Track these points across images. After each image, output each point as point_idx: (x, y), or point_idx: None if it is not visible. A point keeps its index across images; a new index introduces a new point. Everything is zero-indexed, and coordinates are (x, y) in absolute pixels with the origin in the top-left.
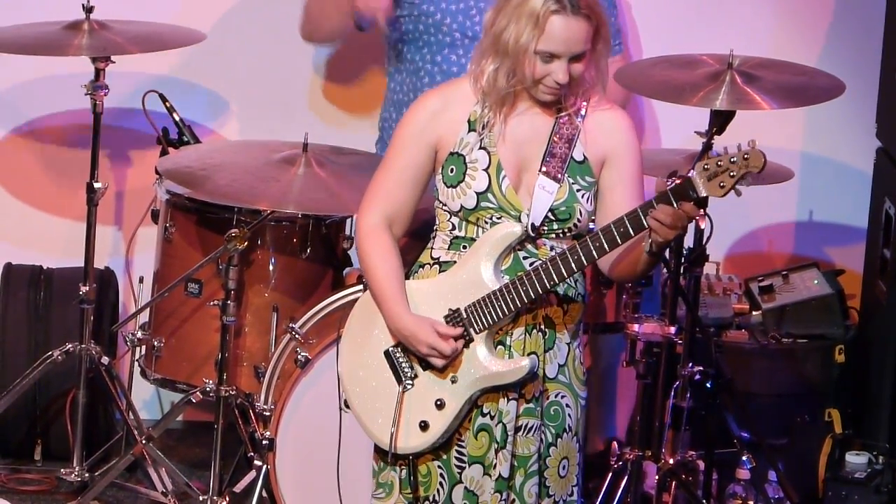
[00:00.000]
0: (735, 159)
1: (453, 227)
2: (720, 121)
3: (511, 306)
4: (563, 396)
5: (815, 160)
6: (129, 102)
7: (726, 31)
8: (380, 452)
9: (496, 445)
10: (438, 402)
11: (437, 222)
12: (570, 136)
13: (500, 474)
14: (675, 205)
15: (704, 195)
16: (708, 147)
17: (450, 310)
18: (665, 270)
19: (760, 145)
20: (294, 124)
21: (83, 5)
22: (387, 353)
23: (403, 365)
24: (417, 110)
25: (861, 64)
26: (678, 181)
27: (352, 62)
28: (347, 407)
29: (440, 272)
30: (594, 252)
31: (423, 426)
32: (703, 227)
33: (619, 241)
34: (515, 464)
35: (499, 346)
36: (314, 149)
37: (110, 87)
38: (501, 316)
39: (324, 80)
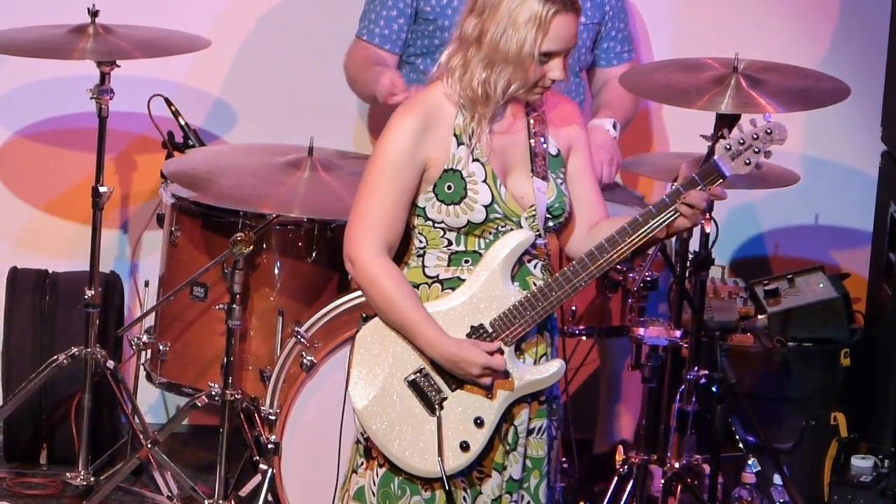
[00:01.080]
0: (758, 135)
1: (449, 243)
2: (725, 124)
3: (542, 313)
4: (557, 390)
5: (819, 164)
6: (135, 106)
7: (731, 34)
8: (401, 475)
9: (507, 447)
10: (478, 420)
11: (425, 240)
12: (542, 132)
13: (510, 476)
14: (704, 188)
15: (733, 174)
16: (712, 152)
17: (472, 327)
18: (671, 274)
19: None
20: (299, 129)
21: (89, 9)
22: (411, 382)
23: (431, 390)
24: (399, 134)
25: (866, 67)
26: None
27: None
28: (367, 439)
29: (443, 290)
30: (625, 247)
31: (465, 446)
32: (708, 230)
33: (650, 232)
34: (529, 465)
35: (517, 354)
36: (319, 153)
37: (115, 92)
38: (532, 325)
39: (330, 85)
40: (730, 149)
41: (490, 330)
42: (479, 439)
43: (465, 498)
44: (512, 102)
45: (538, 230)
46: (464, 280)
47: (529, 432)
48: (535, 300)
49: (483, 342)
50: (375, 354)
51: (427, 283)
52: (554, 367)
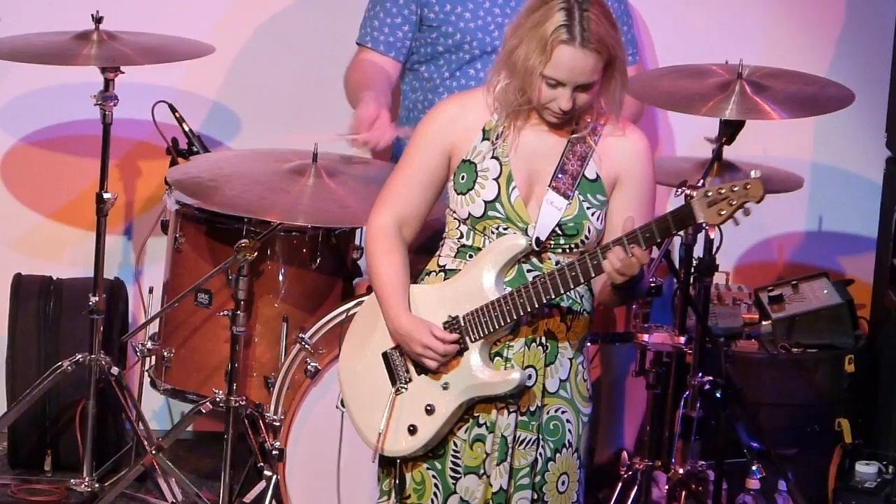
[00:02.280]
0: (736, 188)
1: (461, 236)
2: (730, 131)
3: (508, 317)
4: (563, 412)
5: (824, 170)
6: (139, 113)
7: (736, 40)
8: (381, 458)
9: (497, 458)
10: (429, 407)
11: (447, 230)
12: (584, 153)
13: (500, 486)
14: (627, 251)
15: (701, 221)
16: (718, 157)
17: (449, 316)
18: (675, 281)
19: (769, 155)
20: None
21: (93, 16)
22: (385, 355)
23: (399, 368)
24: (435, 116)
25: (871, 73)
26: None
27: None
28: (343, 406)
29: (445, 279)
30: (591, 270)
31: (412, 430)
32: (712, 237)
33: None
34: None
35: (497, 358)
36: (324, 158)
37: (120, 98)
38: (497, 326)
39: (334, 91)
40: (709, 196)
41: (462, 324)
42: (427, 426)
43: (435, 494)
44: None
45: (530, 240)
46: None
47: (515, 442)
48: (504, 303)
49: (441, 330)
50: (368, 325)
51: (435, 272)
52: (508, 375)
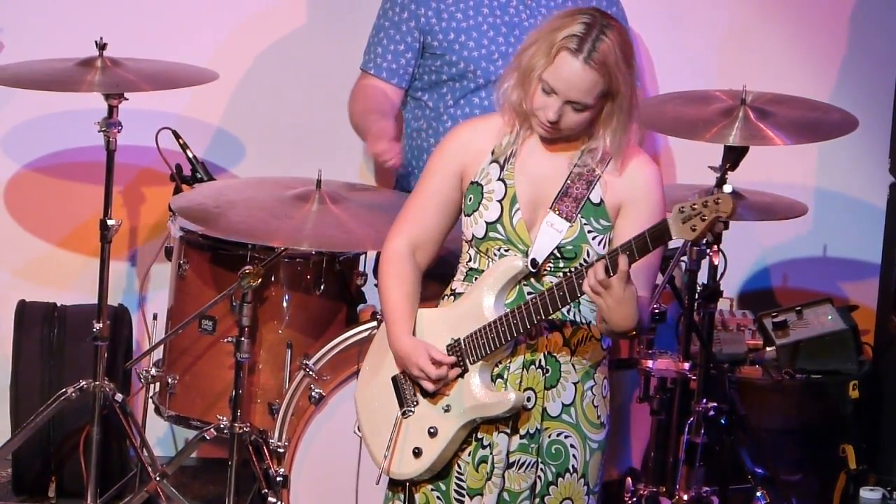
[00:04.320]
0: (707, 202)
1: (469, 259)
2: (733, 157)
3: (503, 338)
4: (566, 436)
5: (828, 195)
6: (143, 139)
7: (739, 66)
8: (390, 481)
9: (486, 474)
10: (431, 430)
11: (462, 254)
12: (590, 178)
13: None
14: (608, 271)
15: (677, 236)
16: (721, 183)
17: (452, 339)
18: (679, 307)
19: (773, 181)
20: (308, 163)
21: (96, 42)
22: (394, 379)
23: (407, 391)
24: (450, 139)
25: (874, 99)
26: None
27: None
28: (360, 430)
29: (454, 302)
30: (577, 289)
31: (417, 453)
32: (716, 263)
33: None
34: (507, 497)
35: (497, 380)
36: (328, 185)
37: (123, 124)
38: (494, 347)
39: (338, 117)
40: (683, 212)
41: (463, 346)
42: (431, 449)
43: None
44: (563, 140)
45: (526, 262)
46: None
47: (510, 465)
48: (499, 325)
49: (440, 353)
50: (382, 349)
51: (448, 295)
52: (503, 397)
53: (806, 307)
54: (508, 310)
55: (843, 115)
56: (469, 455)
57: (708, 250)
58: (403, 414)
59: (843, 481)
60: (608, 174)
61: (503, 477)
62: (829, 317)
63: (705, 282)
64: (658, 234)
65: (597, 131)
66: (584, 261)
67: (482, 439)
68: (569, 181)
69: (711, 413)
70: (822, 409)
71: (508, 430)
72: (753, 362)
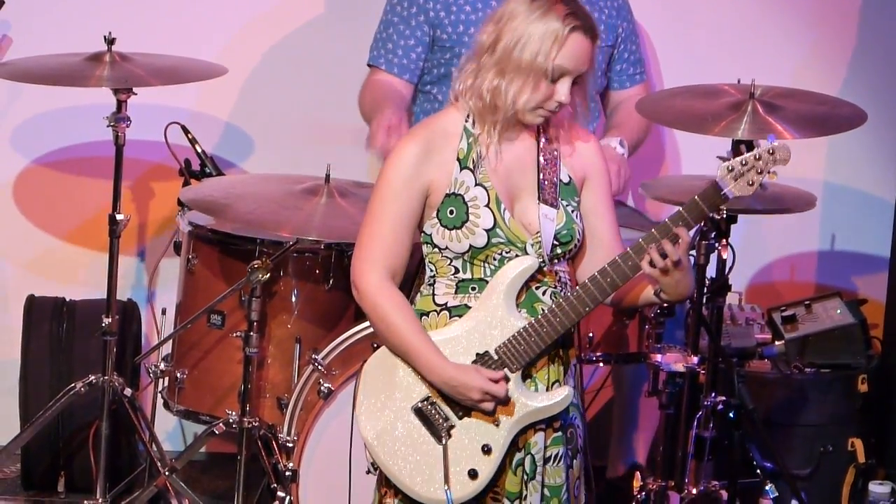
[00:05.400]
0: (760, 155)
1: (456, 271)
2: (742, 151)
3: (547, 339)
4: (575, 418)
5: (837, 189)
6: (152, 134)
7: (748, 60)
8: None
9: (525, 477)
10: (485, 448)
11: (435, 269)
12: (554, 159)
13: None
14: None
15: (735, 195)
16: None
17: (477, 354)
18: (688, 301)
19: (782, 175)
20: (316, 158)
21: (105, 37)
22: (417, 410)
23: (438, 418)
24: (400, 159)
25: (883, 93)
26: (703, 189)
27: None
28: (375, 469)
29: (451, 317)
30: (628, 271)
31: (473, 474)
32: (725, 257)
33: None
34: (548, 493)
35: (527, 380)
36: (336, 181)
37: (132, 119)
38: (537, 351)
39: (347, 112)
40: (732, 170)
41: (495, 357)
42: (487, 467)
43: None
44: (521, 128)
45: (543, 257)
46: (471, 307)
47: (547, 460)
48: (540, 326)
49: (486, 369)
50: (383, 383)
51: (436, 311)
52: (561, 394)
53: (815, 301)
54: (547, 309)
55: (852, 108)
56: (508, 461)
57: (717, 244)
58: (445, 443)
59: (852, 475)
60: (566, 151)
61: (542, 474)
62: (838, 311)
63: (714, 276)
64: (709, 196)
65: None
66: (578, 241)
67: (516, 442)
68: (540, 167)
69: (720, 407)
70: (831, 404)
71: (544, 427)
72: (762, 356)
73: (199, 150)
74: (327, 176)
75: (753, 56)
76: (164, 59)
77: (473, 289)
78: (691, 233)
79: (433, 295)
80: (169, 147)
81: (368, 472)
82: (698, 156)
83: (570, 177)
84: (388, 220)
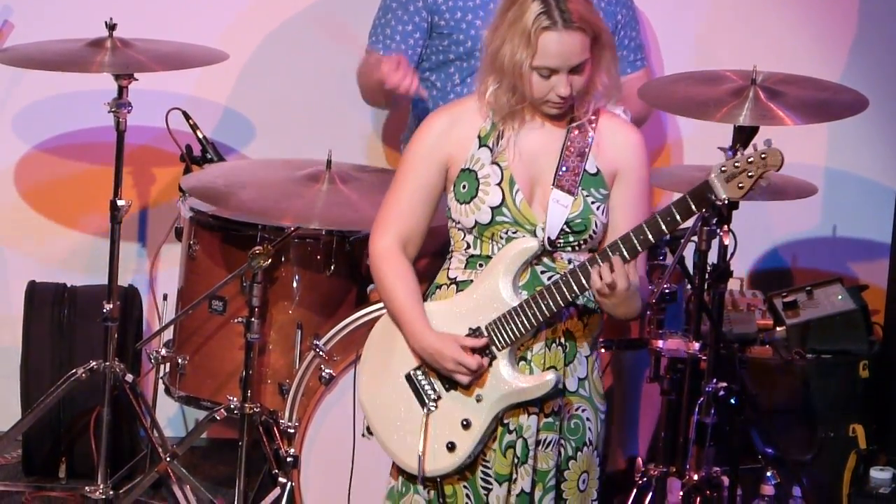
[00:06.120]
0: (752, 159)
1: (468, 246)
2: (743, 137)
3: (533, 321)
4: (583, 410)
5: (838, 175)
6: (153, 120)
7: (749, 46)
8: (404, 475)
9: (517, 460)
10: (465, 422)
11: (452, 243)
12: (582, 148)
13: (522, 489)
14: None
15: (724, 197)
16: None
17: (470, 329)
18: (689, 287)
19: (784, 162)
20: (318, 144)
21: (106, 23)
22: (408, 377)
23: (426, 387)
24: (425, 131)
25: (885, 79)
26: (695, 187)
27: None
28: (370, 433)
29: (457, 291)
30: (625, 256)
31: (451, 447)
32: (726, 243)
33: (638, 250)
34: (536, 478)
35: (521, 362)
36: (338, 166)
37: (133, 105)
38: (524, 331)
39: (348, 97)
40: (724, 171)
41: (486, 333)
42: (466, 441)
43: None
44: (548, 116)
45: (543, 240)
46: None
47: (537, 444)
48: (527, 307)
49: (468, 339)
50: (384, 349)
51: (447, 284)
52: (543, 378)
53: (816, 287)
54: (533, 291)
55: (853, 95)
56: (496, 441)
57: (718, 230)
58: (427, 411)
59: (854, 461)
60: (599, 141)
61: (534, 458)
62: (840, 297)
63: (715, 262)
64: (700, 195)
65: (592, 80)
66: (594, 232)
67: (508, 424)
68: (564, 153)
69: (721, 393)
70: (832, 390)
71: (537, 411)
72: (764, 342)
73: (201, 135)
74: (329, 162)
75: (754, 42)
76: (165, 45)
77: (481, 265)
78: (691, 220)
79: (448, 269)
80: (170, 133)
81: (363, 435)
82: (700, 143)
83: (598, 168)
84: (407, 188)
